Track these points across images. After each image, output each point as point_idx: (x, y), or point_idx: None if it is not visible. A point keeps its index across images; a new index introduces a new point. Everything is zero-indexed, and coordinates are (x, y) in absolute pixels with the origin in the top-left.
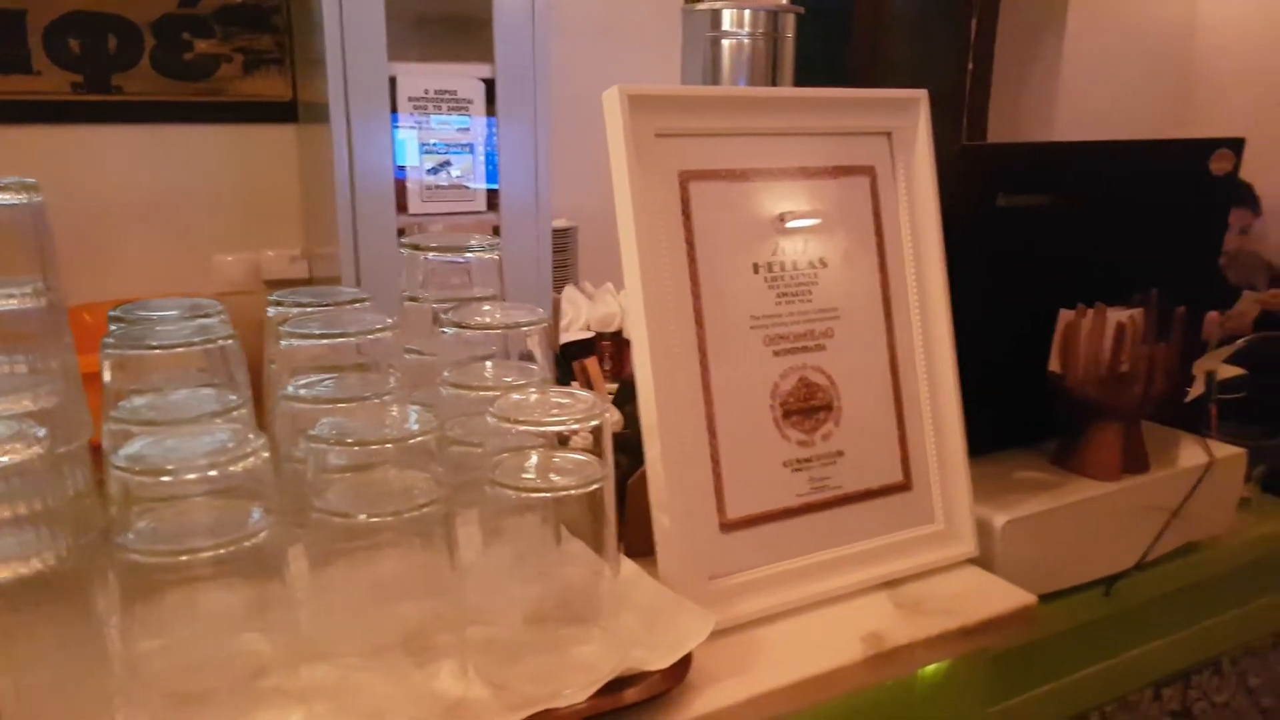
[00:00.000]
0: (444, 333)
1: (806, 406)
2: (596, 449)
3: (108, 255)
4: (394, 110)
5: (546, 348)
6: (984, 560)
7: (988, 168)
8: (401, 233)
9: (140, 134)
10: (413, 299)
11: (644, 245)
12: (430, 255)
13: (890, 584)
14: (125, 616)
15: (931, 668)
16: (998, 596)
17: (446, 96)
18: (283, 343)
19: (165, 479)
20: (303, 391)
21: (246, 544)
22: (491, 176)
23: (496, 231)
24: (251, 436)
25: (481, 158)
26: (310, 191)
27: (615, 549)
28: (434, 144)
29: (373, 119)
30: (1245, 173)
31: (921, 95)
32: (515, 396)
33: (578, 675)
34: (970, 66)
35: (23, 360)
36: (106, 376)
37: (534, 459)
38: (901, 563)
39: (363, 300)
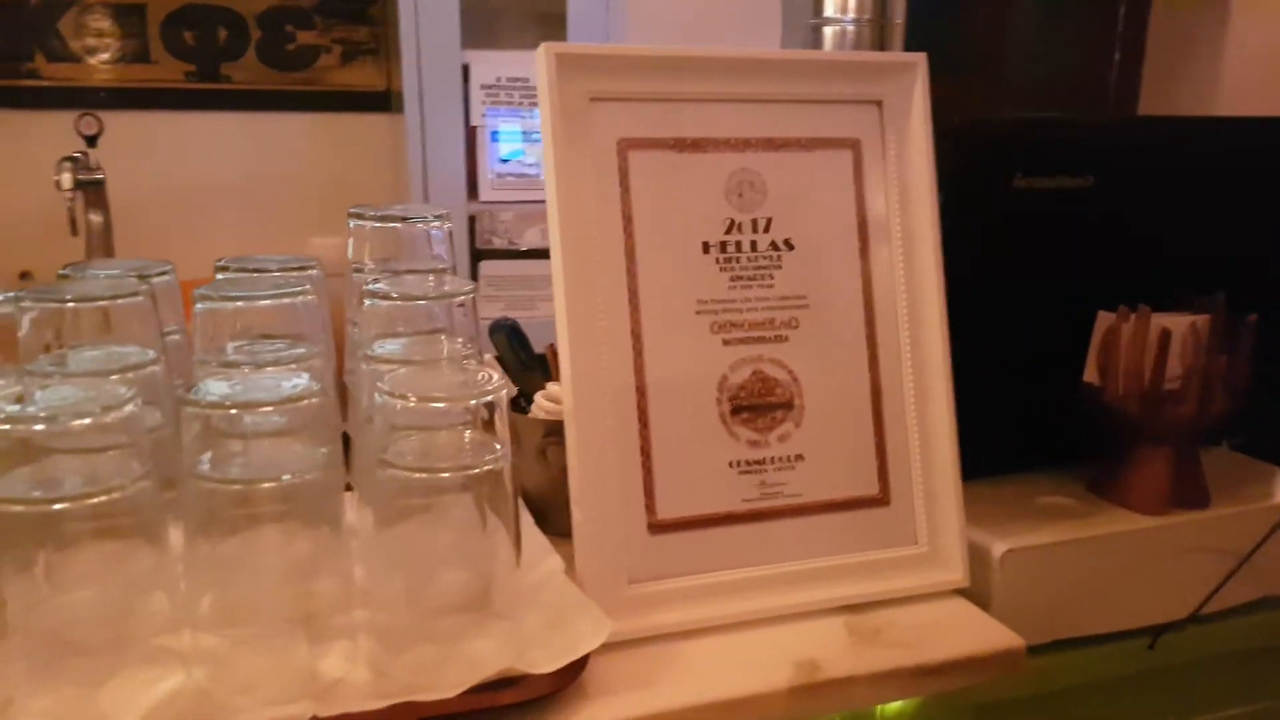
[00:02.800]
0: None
1: (761, 403)
2: (490, 429)
3: (214, 236)
4: (466, 99)
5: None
6: (979, 594)
7: (1002, 144)
8: (472, 220)
9: (245, 121)
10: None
11: (567, 217)
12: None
13: (853, 608)
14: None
15: (894, 707)
16: (976, 635)
17: (519, 84)
18: (366, 302)
19: (233, 411)
20: (379, 351)
21: (308, 476)
22: None
23: None
24: (314, 382)
25: None
26: (400, 180)
27: (514, 538)
28: (505, 132)
29: (446, 105)
30: None
31: (919, 59)
32: (402, 370)
33: (463, 670)
34: (1117, 56)
35: None
36: (197, 329)
37: (464, 436)
38: (868, 585)
39: (442, 270)
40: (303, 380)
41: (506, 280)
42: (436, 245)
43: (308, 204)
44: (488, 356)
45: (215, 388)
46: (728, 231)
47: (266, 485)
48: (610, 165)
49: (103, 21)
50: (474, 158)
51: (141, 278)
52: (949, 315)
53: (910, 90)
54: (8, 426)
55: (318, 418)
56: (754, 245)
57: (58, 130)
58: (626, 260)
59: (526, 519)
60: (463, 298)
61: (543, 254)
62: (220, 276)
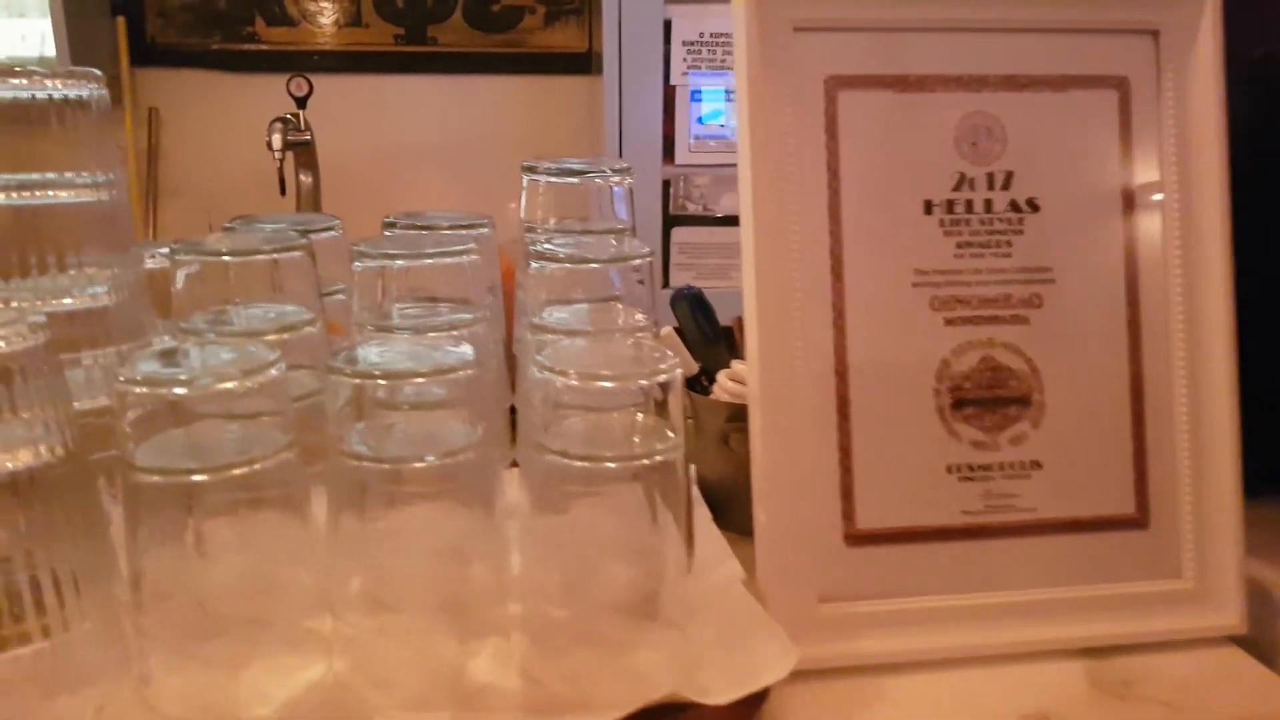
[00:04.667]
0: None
1: (990, 396)
2: (664, 413)
3: (416, 198)
4: (666, 57)
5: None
6: (1261, 645)
7: None
8: (666, 185)
9: (448, 84)
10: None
11: (762, 168)
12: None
13: (1097, 652)
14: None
15: None
16: (1255, 695)
17: (722, 40)
18: (533, 265)
19: (382, 382)
20: (545, 319)
21: (461, 457)
22: None
23: None
24: (473, 351)
25: None
26: (597, 142)
27: (687, 536)
28: (705, 92)
29: (645, 64)
30: None
31: None
32: (566, 342)
33: (623, 684)
34: None
35: None
36: (356, 289)
37: (636, 419)
38: (1116, 625)
39: (620, 231)
40: (462, 349)
41: (699, 248)
42: (617, 204)
43: (507, 167)
44: (667, 329)
45: (369, 354)
46: (956, 188)
47: (416, 465)
48: (815, 107)
49: None
50: (672, 119)
51: (304, 232)
52: (1236, 297)
53: (1197, 17)
54: (145, 390)
55: (478, 389)
56: (989, 205)
57: (273, 93)
58: (830, 220)
59: (703, 514)
60: (639, 262)
61: (738, 220)
62: (388, 234)
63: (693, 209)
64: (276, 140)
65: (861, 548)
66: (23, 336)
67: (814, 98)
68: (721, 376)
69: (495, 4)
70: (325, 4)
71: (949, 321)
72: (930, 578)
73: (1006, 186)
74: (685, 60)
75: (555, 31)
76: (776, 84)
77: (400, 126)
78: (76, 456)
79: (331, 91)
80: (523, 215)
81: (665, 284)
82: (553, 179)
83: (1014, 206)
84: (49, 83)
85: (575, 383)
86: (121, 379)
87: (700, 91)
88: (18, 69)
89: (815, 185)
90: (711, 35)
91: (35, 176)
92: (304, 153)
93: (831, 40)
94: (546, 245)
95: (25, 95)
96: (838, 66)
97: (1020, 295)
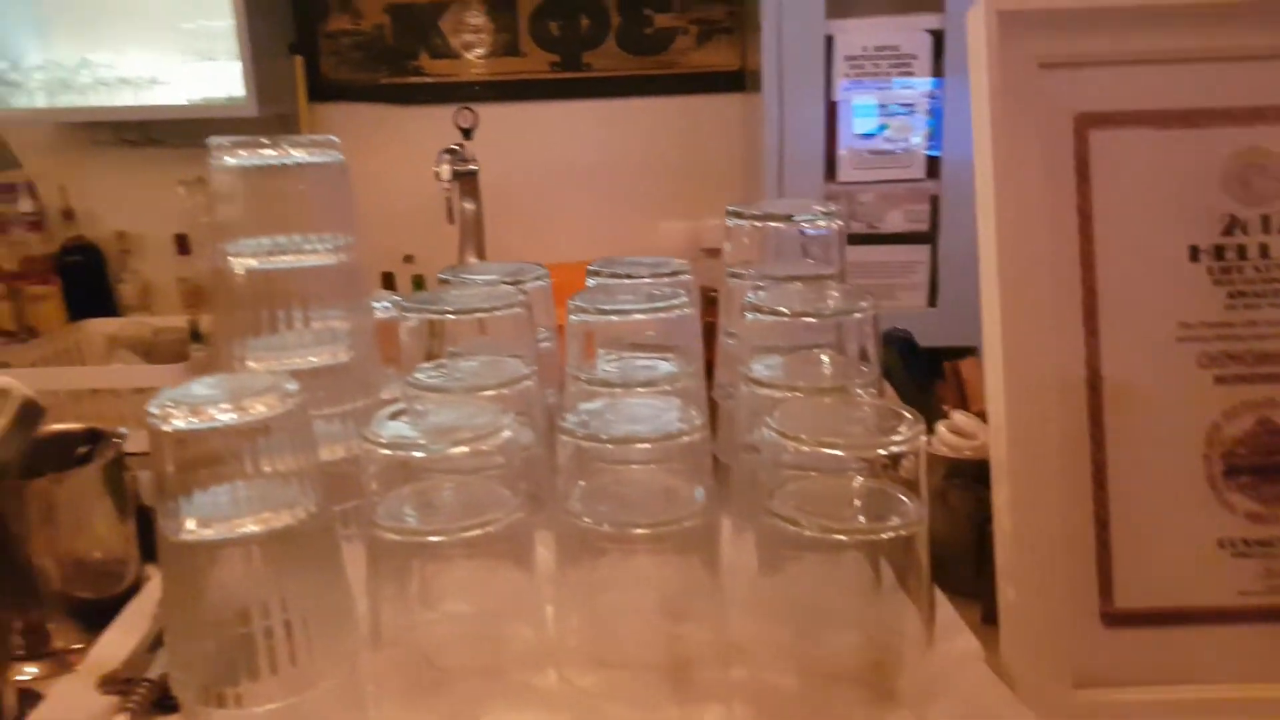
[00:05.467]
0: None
1: (1269, 463)
2: (909, 483)
3: (570, 221)
4: (829, 72)
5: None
6: None
7: None
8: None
9: (602, 108)
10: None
11: (1007, 213)
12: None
13: None
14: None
15: None
16: None
17: (887, 53)
18: (749, 316)
19: (609, 447)
20: (766, 373)
21: (686, 524)
22: (936, 143)
23: (935, 203)
24: (693, 412)
25: (924, 120)
26: (750, 161)
27: (927, 611)
28: (870, 105)
29: (806, 80)
30: None
31: None
32: (790, 398)
33: None
34: None
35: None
36: (569, 338)
37: (857, 484)
38: None
39: (829, 276)
40: (675, 409)
41: (864, 267)
42: (824, 247)
43: (659, 188)
44: None
45: (587, 410)
46: (1226, 232)
47: (641, 531)
48: (1064, 147)
49: (479, 17)
50: (833, 136)
51: (516, 284)
52: None
53: None
54: (389, 451)
55: (699, 449)
56: (1264, 250)
57: (436, 123)
58: (1082, 269)
59: None
60: (860, 315)
61: (905, 239)
62: (591, 282)
63: (857, 227)
64: (445, 171)
65: (1121, 629)
66: (281, 400)
67: (1062, 137)
68: (940, 428)
69: (648, 27)
70: (484, 35)
71: (1219, 380)
72: (1203, 664)
73: None
74: (847, 75)
75: (707, 51)
76: (1021, 124)
77: (555, 151)
78: (325, 511)
79: (492, 120)
80: (725, 258)
81: None
82: (758, 223)
83: None
84: (294, 151)
85: (807, 449)
86: (367, 440)
87: (861, 106)
88: (265, 140)
89: (1066, 231)
90: (875, 49)
91: (284, 240)
92: (468, 181)
93: (1081, 76)
94: (763, 295)
95: (275, 162)
96: (1089, 103)
97: None
